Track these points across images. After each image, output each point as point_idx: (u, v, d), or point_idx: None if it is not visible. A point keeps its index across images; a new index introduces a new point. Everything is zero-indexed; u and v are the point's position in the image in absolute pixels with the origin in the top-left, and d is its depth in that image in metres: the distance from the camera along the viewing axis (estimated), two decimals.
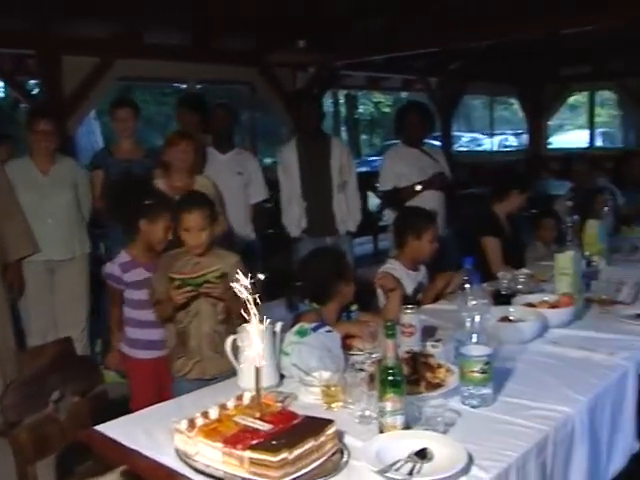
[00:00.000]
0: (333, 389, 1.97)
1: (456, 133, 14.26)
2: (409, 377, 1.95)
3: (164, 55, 6.38)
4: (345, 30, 6.95)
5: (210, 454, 1.59)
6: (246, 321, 1.87)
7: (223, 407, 1.76)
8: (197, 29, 6.44)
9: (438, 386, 2.00)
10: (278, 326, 2.19)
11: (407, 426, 1.73)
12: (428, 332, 2.51)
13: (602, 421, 2.04)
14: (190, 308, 2.74)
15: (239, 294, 2.53)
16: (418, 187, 4.60)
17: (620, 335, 2.51)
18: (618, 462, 2.14)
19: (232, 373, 2.39)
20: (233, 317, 2.74)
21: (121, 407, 2.39)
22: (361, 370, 2.01)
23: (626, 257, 3.85)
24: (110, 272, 3.22)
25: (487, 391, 1.92)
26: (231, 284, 2.56)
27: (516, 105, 15.26)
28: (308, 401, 2.00)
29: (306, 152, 4.74)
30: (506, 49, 8.43)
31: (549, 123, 13.79)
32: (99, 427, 1.92)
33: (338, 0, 6.25)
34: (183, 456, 1.66)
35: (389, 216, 4.92)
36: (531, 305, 2.74)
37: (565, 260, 2.83)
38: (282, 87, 7.70)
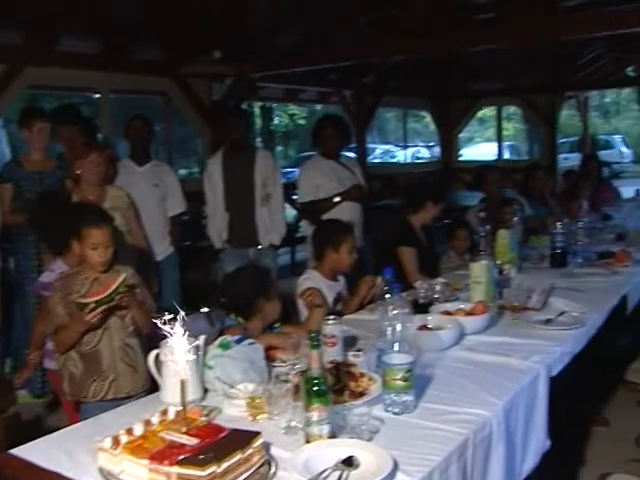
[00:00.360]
0: (258, 401, 1.98)
1: (370, 145, 14.50)
2: (333, 387, 1.97)
3: (77, 63, 6.20)
4: (261, 42, 6.99)
5: (136, 471, 1.57)
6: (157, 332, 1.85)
7: (147, 423, 1.73)
8: (112, 38, 6.32)
9: (361, 395, 2.03)
10: (201, 339, 2.18)
11: (333, 435, 1.75)
12: (349, 342, 2.55)
13: (517, 422, 2.12)
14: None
15: (142, 304, 2.58)
16: (336, 199, 4.67)
17: (531, 340, 2.62)
18: (531, 461, 2.24)
19: (145, 392, 2.42)
20: (140, 329, 2.74)
21: (36, 428, 2.32)
22: (286, 381, 2.02)
23: (535, 265, 4.02)
24: (48, 281, 3.07)
25: (409, 398, 1.96)
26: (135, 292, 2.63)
27: (428, 118, 15.69)
28: (233, 414, 1.99)
29: (231, 164, 4.76)
30: (418, 64, 8.70)
31: (459, 136, 14.23)
32: (14, 450, 1.84)
33: (254, 12, 6.30)
34: (107, 475, 1.62)
35: (306, 227, 4.97)
36: (448, 313, 2.82)
37: (479, 269, 2.94)
38: (198, 98, 7.64)
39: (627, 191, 8.08)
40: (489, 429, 1.93)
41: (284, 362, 2.29)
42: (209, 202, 4.79)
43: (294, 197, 5.69)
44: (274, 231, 4.82)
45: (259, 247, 4.78)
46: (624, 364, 3.41)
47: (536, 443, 2.26)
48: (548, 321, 2.85)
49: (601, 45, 10.33)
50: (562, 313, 2.93)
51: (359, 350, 2.44)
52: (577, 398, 3.51)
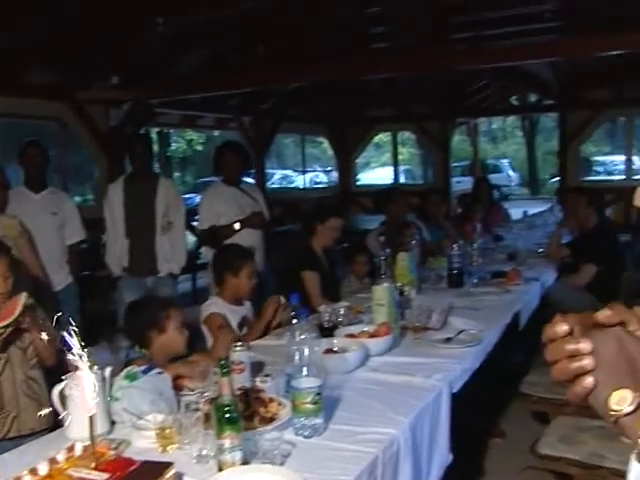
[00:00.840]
0: (168, 431, 1.95)
1: (269, 170, 14.58)
2: (243, 413, 1.98)
3: None
4: (159, 68, 6.95)
5: None
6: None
7: (53, 461, 1.68)
8: (3, 60, 6.10)
9: (271, 420, 2.05)
10: (107, 371, 2.14)
11: (245, 461, 1.76)
12: (256, 368, 2.56)
13: (422, 438, 2.20)
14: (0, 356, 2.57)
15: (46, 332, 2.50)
16: (237, 225, 4.67)
17: (433, 359, 2.72)
18: (435, 475, 2.32)
19: (49, 428, 2.33)
20: (44, 360, 2.66)
21: None
22: (196, 410, 2.02)
23: (433, 286, 4.18)
24: None
25: (318, 421, 1.99)
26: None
27: (325, 144, 15.96)
28: (142, 446, 1.96)
29: (132, 191, 4.69)
30: (315, 91, 8.89)
31: (356, 161, 14.55)
32: None
33: (153, 38, 6.26)
34: None
35: (207, 254, 4.94)
36: (352, 336, 2.87)
37: (381, 292, 3.02)
38: (94, 124, 7.48)
39: (515, 212, 8.54)
40: (397, 446, 1.99)
41: (192, 391, 2.28)
42: (108, 229, 4.70)
43: (194, 223, 5.65)
44: (174, 260, 4.76)
45: (159, 275, 4.71)
46: (518, 378, 3.59)
47: (440, 457, 2.35)
48: (448, 340, 2.96)
49: (488, 76, 10.94)
50: (461, 331, 3.06)
51: (267, 375, 2.46)
52: (476, 412, 3.66)
